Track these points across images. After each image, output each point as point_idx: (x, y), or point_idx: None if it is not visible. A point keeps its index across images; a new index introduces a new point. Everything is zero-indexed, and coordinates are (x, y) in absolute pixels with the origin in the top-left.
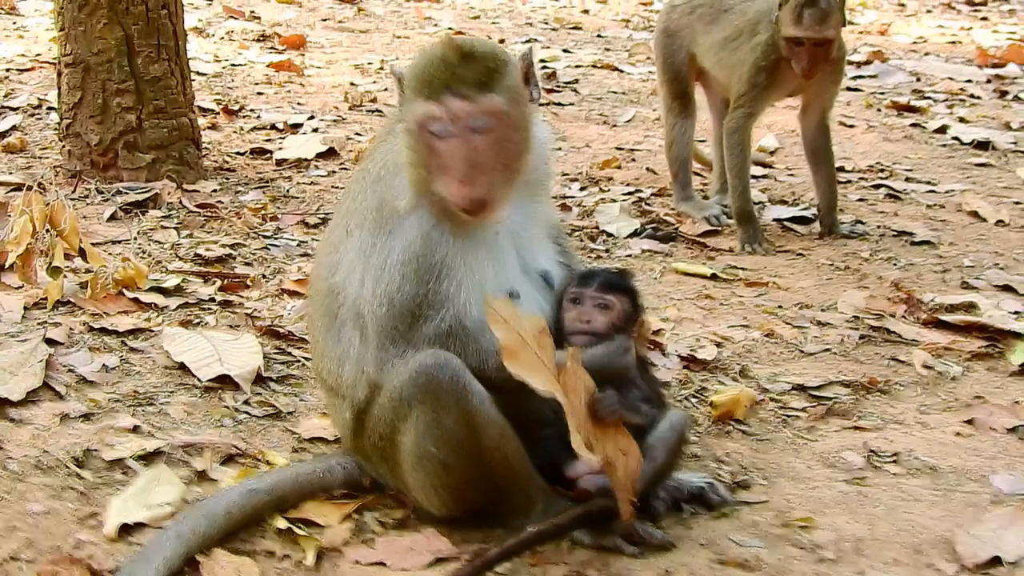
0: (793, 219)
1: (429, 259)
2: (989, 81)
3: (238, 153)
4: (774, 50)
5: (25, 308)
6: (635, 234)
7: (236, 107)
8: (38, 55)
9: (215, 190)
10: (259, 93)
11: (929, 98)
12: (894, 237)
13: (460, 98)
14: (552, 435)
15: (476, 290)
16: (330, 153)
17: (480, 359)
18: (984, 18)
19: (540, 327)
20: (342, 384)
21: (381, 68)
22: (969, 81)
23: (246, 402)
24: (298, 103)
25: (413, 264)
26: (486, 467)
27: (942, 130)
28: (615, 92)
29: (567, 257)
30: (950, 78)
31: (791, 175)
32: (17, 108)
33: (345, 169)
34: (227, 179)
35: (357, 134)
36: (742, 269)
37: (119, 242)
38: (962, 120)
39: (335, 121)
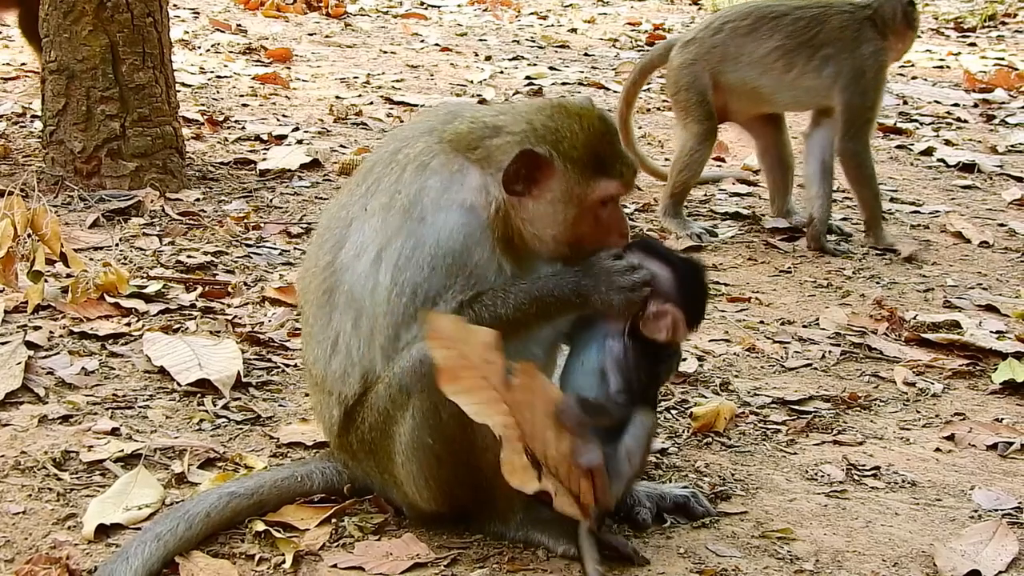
0: (776, 235)
1: (464, 257)
2: (976, 105)
3: (222, 163)
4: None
5: (5, 312)
6: None
7: (221, 118)
8: (23, 64)
9: (198, 199)
10: (244, 105)
11: (916, 121)
12: (878, 256)
13: (632, 175)
14: None
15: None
16: (314, 164)
17: (479, 319)
18: (972, 44)
19: (487, 341)
20: (329, 376)
21: (367, 82)
22: (956, 105)
23: (225, 407)
24: (283, 115)
25: (447, 259)
26: (476, 466)
27: (928, 152)
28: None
29: None
30: (937, 101)
31: None
32: (1, 116)
33: (329, 180)
34: (210, 188)
35: (342, 146)
36: (724, 284)
37: (101, 248)
38: (948, 143)
39: (319, 133)
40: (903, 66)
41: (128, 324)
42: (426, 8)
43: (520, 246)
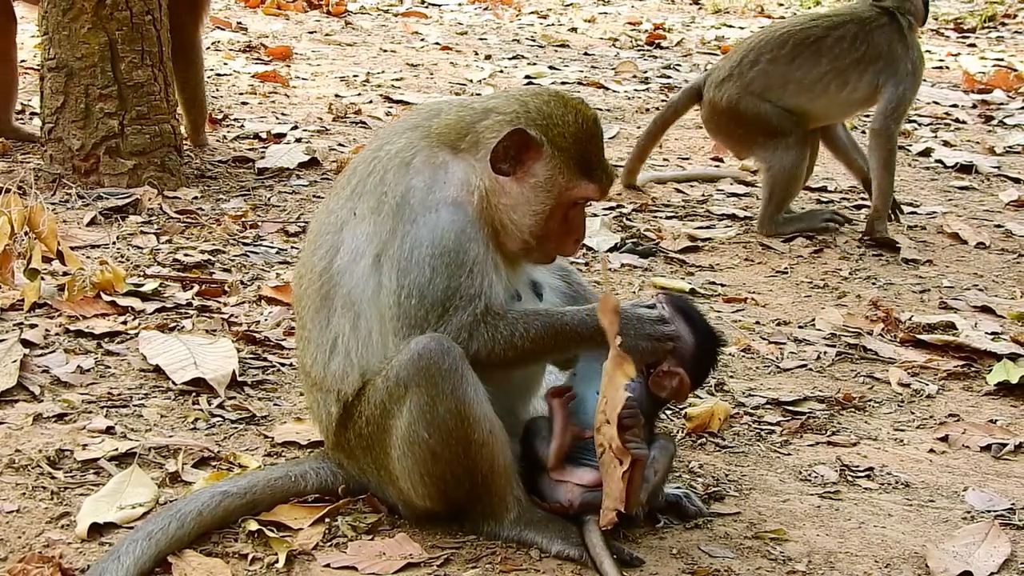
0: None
1: (461, 255)
2: (975, 106)
3: (220, 161)
4: None
5: (2, 309)
6: (615, 248)
7: (220, 116)
8: (23, 61)
9: (196, 197)
10: (243, 103)
11: (914, 121)
12: (874, 256)
13: (610, 184)
14: (540, 444)
15: (500, 286)
16: (312, 163)
17: (493, 342)
18: (972, 44)
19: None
20: (328, 376)
21: (366, 81)
22: (955, 106)
23: (220, 406)
24: (282, 113)
25: (445, 258)
26: (472, 462)
27: (926, 153)
28: (600, 109)
29: (564, 272)
30: (935, 102)
31: None
32: None
33: (327, 179)
34: (208, 187)
35: (340, 145)
36: (721, 285)
37: (98, 246)
38: (946, 144)
39: (318, 132)
40: None
41: (124, 322)
42: (426, 7)
43: (505, 242)
